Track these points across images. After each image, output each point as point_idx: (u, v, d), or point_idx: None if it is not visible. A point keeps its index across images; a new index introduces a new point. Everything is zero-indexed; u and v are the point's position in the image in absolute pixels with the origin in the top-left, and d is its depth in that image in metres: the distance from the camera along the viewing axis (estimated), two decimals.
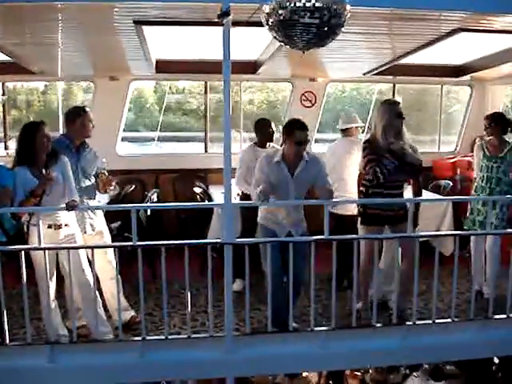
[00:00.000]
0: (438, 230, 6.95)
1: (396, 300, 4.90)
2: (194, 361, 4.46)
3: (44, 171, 4.74)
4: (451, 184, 8.04)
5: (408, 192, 5.76)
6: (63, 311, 5.11)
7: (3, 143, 8.96)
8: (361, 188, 5.49)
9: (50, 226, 4.84)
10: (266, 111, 16.36)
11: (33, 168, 4.80)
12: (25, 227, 4.81)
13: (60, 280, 4.92)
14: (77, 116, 5.40)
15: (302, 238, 5.12)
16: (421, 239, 4.93)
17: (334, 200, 5.08)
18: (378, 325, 4.68)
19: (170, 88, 11.27)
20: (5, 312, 4.32)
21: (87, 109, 5.51)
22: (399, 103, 5.33)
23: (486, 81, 9.11)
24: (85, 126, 5.39)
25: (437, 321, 4.74)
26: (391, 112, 5.22)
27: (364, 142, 5.42)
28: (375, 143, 5.27)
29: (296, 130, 5.08)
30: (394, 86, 9.68)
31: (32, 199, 4.70)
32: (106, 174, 5.45)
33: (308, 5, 3.08)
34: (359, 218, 5.46)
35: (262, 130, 6.74)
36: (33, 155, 4.81)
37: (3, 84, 8.89)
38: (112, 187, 5.53)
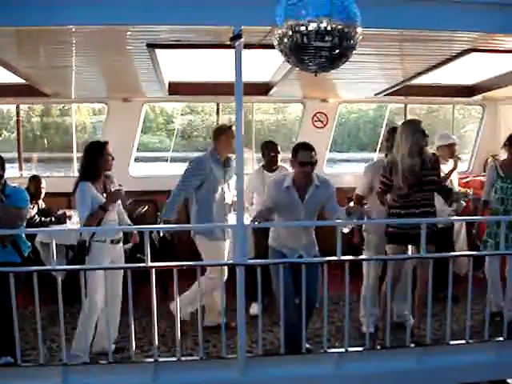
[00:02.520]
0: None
1: (410, 321, 4.86)
2: (206, 382, 4.43)
3: (116, 187, 5.17)
4: (464, 204, 7.99)
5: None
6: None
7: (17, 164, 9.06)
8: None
9: (112, 241, 5.10)
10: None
11: (95, 184, 5.08)
12: (86, 243, 4.99)
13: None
14: (222, 132, 5.84)
15: (313, 259, 5.11)
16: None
17: (344, 221, 5.04)
18: (391, 346, 4.66)
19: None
20: (17, 333, 4.33)
21: (233, 127, 5.69)
22: (420, 122, 5.35)
23: (497, 100, 9.11)
24: (228, 142, 5.73)
25: (451, 342, 4.70)
26: (417, 131, 5.21)
27: (387, 163, 5.39)
28: (395, 164, 5.25)
29: (300, 151, 5.07)
30: (406, 106, 9.70)
31: (101, 213, 4.99)
32: None
33: (319, 28, 3.10)
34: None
35: (265, 153, 6.83)
36: (97, 172, 5.12)
37: (17, 106, 9.00)
38: None
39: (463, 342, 4.72)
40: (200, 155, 6.07)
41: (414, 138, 5.17)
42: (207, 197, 5.81)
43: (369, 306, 4.99)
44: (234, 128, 5.59)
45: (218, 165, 5.81)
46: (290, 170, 6.57)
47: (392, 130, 5.88)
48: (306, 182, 5.10)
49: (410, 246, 5.28)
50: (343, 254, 4.51)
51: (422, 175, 5.22)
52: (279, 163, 6.83)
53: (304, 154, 5.04)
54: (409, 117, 9.62)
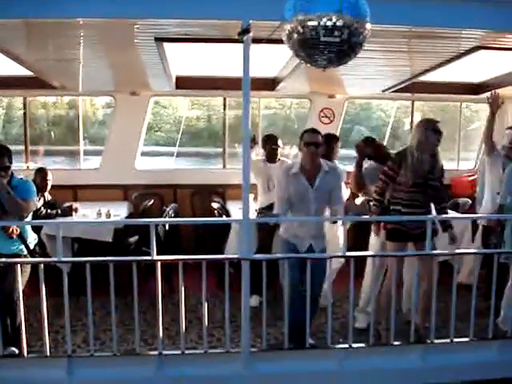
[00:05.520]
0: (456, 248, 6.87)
1: (414, 318, 4.85)
2: (210, 376, 4.44)
3: None
4: (470, 202, 7.98)
5: None
6: None
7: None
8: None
9: None
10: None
11: None
12: None
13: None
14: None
15: (319, 254, 5.11)
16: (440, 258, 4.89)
17: (352, 216, 5.06)
18: (396, 343, 4.66)
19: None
20: (23, 324, 4.35)
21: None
22: (437, 121, 5.32)
23: (505, 98, 9.05)
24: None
25: (455, 340, 4.70)
26: (428, 129, 5.22)
27: (398, 154, 5.43)
28: (406, 158, 5.27)
29: (305, 133, 5.20)
30: (413, 103, 9.70)
31: None
32: None
33: (329, 24, 3.10)
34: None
35: (266, 146, 7.17)
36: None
37: (25, 99, 9.02)
38: None
39: (467, 339, 4.73)
40: None
41: (424, 135, 5.19)
42: None
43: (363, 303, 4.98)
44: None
45: None
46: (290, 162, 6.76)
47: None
48: (313, 166, 5.15)
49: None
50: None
51: (429, 178, 5.23)
52: (280, 157, 7.16)
53: (311, 135, 5.17)
54: (415, 114, 9.67)
